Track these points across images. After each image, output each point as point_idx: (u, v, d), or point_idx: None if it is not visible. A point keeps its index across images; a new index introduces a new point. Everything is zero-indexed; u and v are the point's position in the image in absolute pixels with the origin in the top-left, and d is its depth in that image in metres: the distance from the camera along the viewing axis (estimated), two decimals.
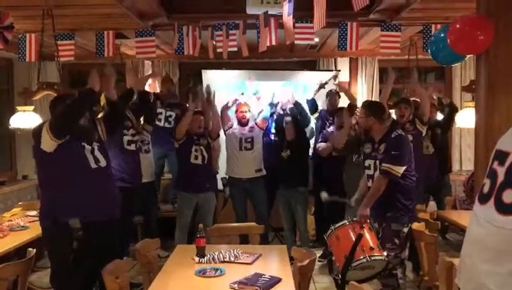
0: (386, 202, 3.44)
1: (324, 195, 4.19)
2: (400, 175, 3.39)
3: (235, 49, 4.56)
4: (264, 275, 2.60)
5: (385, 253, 3.29)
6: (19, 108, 4.59)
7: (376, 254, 3.23)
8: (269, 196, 5.20)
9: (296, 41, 4.59)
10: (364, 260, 3.21)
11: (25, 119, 4.45)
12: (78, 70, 6.93)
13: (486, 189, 1.85)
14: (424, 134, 4.68)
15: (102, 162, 3.16)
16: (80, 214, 2.94)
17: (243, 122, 5.17)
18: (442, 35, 2.94)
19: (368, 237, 3.29)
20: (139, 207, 5.03)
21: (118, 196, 3.30)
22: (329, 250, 3.48)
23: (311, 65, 6.77)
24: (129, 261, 2.76)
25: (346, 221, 3.43)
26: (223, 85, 6.20)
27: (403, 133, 3.59)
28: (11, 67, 6.48)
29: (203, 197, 4.82)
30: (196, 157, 4.79)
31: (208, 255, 2.95)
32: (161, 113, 5.58)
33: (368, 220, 3.41)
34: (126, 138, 4.38)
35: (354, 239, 3.26)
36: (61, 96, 3.48)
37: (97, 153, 3.14)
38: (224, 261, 2.91)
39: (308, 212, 5.33)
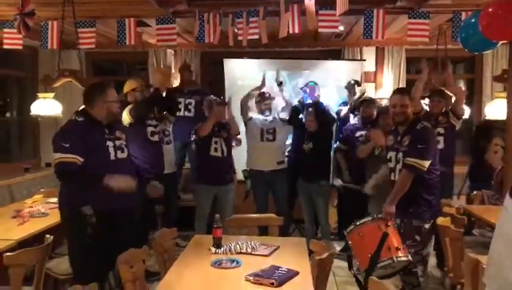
0: (408, 197, 3.30)
1: (338, 181, 4.10)
2: (425, 169, 3.24)
3: (256, 36, 4.45)
4: (281, 267, 2.53)
5: (409, 253, 3.16)
6: (39, 95, 4.61)
7: (401, 255, 3.09)
8: (291, 188, 5.11)
9: (320, 29, 4.46)
10: (390, 261, 3.07)
11: (45, 106, 4.47)
12: (101, 58, 6.95)
13: None
14: (457, 128, 4.50)
15: (122, 154, 3.13)
16: (93, 203, 2.91)
17: (265, 113, 5.07)
18: (473, 20, 2.78)
19: (393, 235, 3.15)
20: (161, 197, 5.03)
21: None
22: (349, 245, 3.34)
23: (336, 54, 6.61)
24: (144, 250, 2.71)
25: (370, 217, 3.27)
26: (245, 74, 6.13)
27: (429, 125, 3.44)
28: (35, 55, 6.53)
29: (223, 189, 4.78)
30: (216, 150, 4.73)
31: (225, 246, 2.89)
32: (180, 102, 5.54)
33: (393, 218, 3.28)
34: (150, 129, 4.42)
35: (379, 237, 3.10)
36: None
37: (118, 145, 3.11)
38: (240, 253, 2.84)
39: (330, 205, 5.23)
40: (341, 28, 5.60)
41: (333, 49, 6.64)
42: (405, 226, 3.33)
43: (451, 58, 6.72)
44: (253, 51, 6.53)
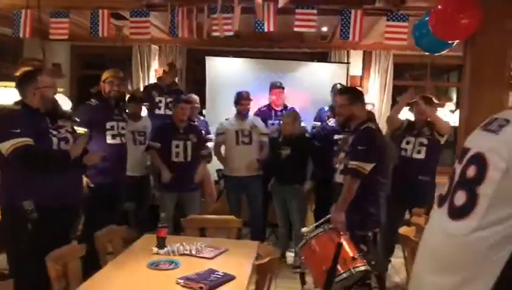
0: (348, 206, 3.15)
1: (308, 183, 4.02)
2: (366, 173, 3.07)
3: (231, 33, 4.34)
4: (217, 271, 2.41)
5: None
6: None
7: (359, 265, 2.86)
8: (266, 191, 4.96)
9: (296, 29, 4.34)
10: (349, 273, 2.78)
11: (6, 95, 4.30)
12: (86, 52, 6.86)
13: (445, 191, 1.61)
14: (442, 142, 4.33)
15: (66, 146, 3.01)
16: (34, 197, 2.80)
17: (243, 114, 4.90)
18: (426, 19, 2.65)
19: (348, 245, 2.92)
20: (132, 197, 4.93)
21: (78, 184, 3.19)
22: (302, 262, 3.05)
23: (323, 57, 6.49)
24: (78, 247, 2.60)
25: (321, 229, 2.98)
26: (227, 74, 6.02)
27: (374, 127, 3.26)
28: (20, 46, 6.45)
29: (186, 197, 4.50)
30: (177, 155, 4.42)
31: (168, 247, 2.77)
32: (160, 101, 5.38)
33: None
34: (110, 132, 4.04)
35: (333, 250, 2.78)
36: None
37: (61, 135, 2.99)
38: (184, 254, 2.72)
39: (309, 209, 5.07)
40: (324, 29, 5.50)
41: (320, 52, 6.52)
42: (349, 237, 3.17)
43: (441, 66, 6.62)
44: (238, 50, 6.44)
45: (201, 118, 5.45)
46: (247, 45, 6.41)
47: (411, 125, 4.38)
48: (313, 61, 6.28)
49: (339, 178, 3.31)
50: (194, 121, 4.97)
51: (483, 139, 1.45)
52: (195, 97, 5.19)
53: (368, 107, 6.11)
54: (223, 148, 5.00)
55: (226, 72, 6.05)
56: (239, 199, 4.93)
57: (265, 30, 4.31)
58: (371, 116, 3.52)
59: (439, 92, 7.62)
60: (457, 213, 1.42)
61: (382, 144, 3.25)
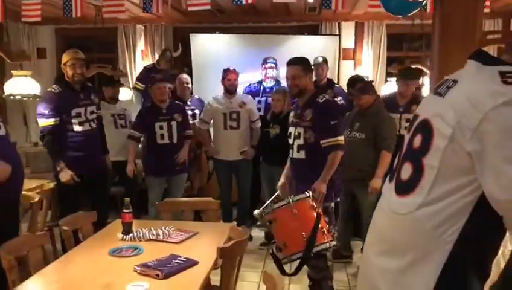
0: (312, 178, 3.06)
1: None
2: (343, 143, 3.08)
3: (208, 7, 4.14)
4: (179, 257, 2.28)
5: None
6: (14, 73, 4.31)
7: (331, 239, 2.75)
8: (257, 171, 4.80)
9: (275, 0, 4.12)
10: (328, 245, 2.69)
11: (21, 85, 4.16)
12: (71, 35, 6.69)
13: (395, 163, 1.44)
14: None
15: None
16: None
17: (230, 90, 4.64)
18: None
19: (323, 217, 2.83)
20: (120, 182, 4.85)
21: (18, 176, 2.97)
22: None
23: (313, 30, 6.25)
24: (34, 236, 2.49)
25: (307, 193, 2.85)
26: (214, 51, 5.83)
27: (331, 98, 3.21)
28: (1, 31, 6.29)
29: (173, 181, 4.36)
30: (162, 137, 4.25)
31: (135, 233, 2.65)
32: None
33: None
34: (77, 120, 3.79)
35: (313, 218, 2.68)
36: None
37: None
38: (150, 240, 2.60)
39: None
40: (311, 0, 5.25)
41: (309, 24, 6.27)
42: None
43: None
44: (226, 26, 6.25)
45: (196, 96, 5.25)
46: (234, 20, 6.21)
47: (393, 102, 4.26)
48: (302, 34, 6.04)
49: (296, 154, 3.23)
50: (185, 101, 4.85)
51: (431, 104, 1.29)
52: (186, 76, 5.00)
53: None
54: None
55: (212, 50, 5.87)
56: (229, 179, 4.77)
57: (244, 2, 4.10)
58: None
59: None
60: (403, 188, 1.27)
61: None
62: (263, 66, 5.21)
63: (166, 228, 2.70)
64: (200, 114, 4.86)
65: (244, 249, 2.40)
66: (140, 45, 6.40)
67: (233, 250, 2.29)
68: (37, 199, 3.29)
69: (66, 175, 3.69)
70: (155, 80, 4.38)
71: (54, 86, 3.79)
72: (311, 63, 5.01)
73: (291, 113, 3.36)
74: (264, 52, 5.41)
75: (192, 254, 2.34)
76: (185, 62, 6.33)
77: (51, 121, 3.68)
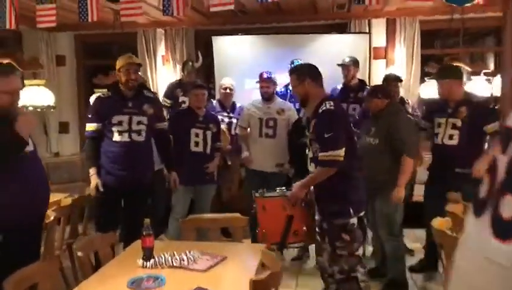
0: (324, 194, 2.88)
1: None
2: (342, 158, 2.74)
3: (232, 7, 3.85)
4: None
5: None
6: (27, 82, 4.08)
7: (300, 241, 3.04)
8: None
9: None
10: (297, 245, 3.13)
11: (35, 95, 3.94)
12: (90, 41, 6.52)
13: (483, 191, 1.11)
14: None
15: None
16: None
17: (264, 97, 4.32)
18: None
19: (299, 217, 2.91)
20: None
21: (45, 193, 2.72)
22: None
23: (341, 28, 5.91)
24: (45, 264, 2.24)
25: (278, 193, 2.98)
26: (237, 54, 5.56)
27: (332, 107, 2.82)
28: (19, 39, 6.16)
29: (200, 190, 4.11)
30: (197, 144, 4.06)
31: (156, 258, 2.37)
32: (184, 102, 4.84)
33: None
34: (116, 128, 3.50)
35: (282, 218, 2.88)
36: None
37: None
38: (173, 266, 2.33)
39: None
40: None
41: (338, 23, 5.92)
42: (329, 228, 2.87)
43: (475, 30, 5.96)
44: (249, 27, 5.96)
45: (238, 104, 4.96)
46: (257, 20, 5.91)
47: (435, 103, 3.92)
48: (330, 33, 5.71)
49: (311, 167, 2.97)
50: (227, 109, 4.72)
51: None
52: (229, 81, 4.84)
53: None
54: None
55: (235, 52, 5.60)
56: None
57: (269, 0, 3.80)
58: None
59: (475, 58, 6.95)
60: (506, 229, 0.94)
61: (346, 122, 2.99)
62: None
63: (191, 253, 2.42)
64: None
65: (279, 281, 2.09)
66: (161, 50, 6.16)
67: (267, 284, 1.98)
68: (52, 218, 3.05)
69: (92, 183, 3.49)
70: (192, 86, 4.23)
71: (105, 90, 3.66)
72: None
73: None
74: (290, 53, 5.10)
75: (221, 285, 2.07)
76: (209, 67, 6.08)
77: (92, 126, 3.52)
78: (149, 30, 6.10)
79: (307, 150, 3.02)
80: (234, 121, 4.71)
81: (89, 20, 4.13)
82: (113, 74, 5.06)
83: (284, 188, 3.17)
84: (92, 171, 3.50)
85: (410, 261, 4.04)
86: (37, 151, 2.71)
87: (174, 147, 4.05)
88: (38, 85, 3.79)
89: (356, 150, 2.97)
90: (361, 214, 2.95)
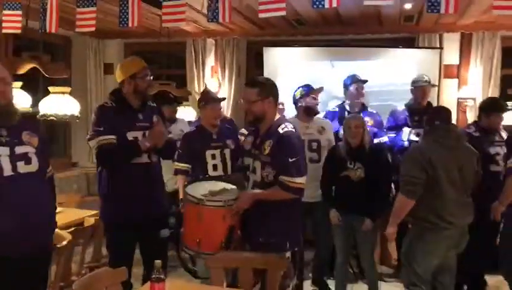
0: (258, 224, 2.56)
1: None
2: (297, 187, 2.51)
3: (283, 13, 3.41)
4: None
5: None
6: (51, 89, 3.74)
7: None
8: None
9: (366, 2, 3.29)
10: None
11: (58, 104, 3.45)
12: (139, 49, 6.29)
13: None
14: None
15: (27, 167, 2.16)
16: None
17: (313, 110, 3.70)
18: None
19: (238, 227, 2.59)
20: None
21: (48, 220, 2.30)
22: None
23: (408, 43, 5.33)
24: None
25: (221, 201, 2.53)
26: (289, 66, 5.11)
27: (294, 130, 2.60)
28: (69, 45, 6.04)
29: None
30: (215, 168, 3.43)
31: None
32: None
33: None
34: None
35: (222, 229, 2.52)
36: None
37: (19, 152, 2.15)
38: None
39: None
40: (408, 5, 4.38)
41: (404, 37, 5.37)
42: None
43: None
44: (306, 39, 5.52)
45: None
46: (315, 32, 5.47)
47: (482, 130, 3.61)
48: (396, 47, 5.15)
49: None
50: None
51: None
52: None
53: (469, 104, 4.93)
54: None
55: (289, 65, 5.15)
56: (305, 225, 3.69)
57: (327, 6, 3.31)
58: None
59: None
60: None
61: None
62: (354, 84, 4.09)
63: None
64: None
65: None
66: (210, 60, 5.83)
67: None
68: (64, 243, 2.69)
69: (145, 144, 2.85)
70: (209, 99, 3.58)
71: (108, 100, 2.95)
72: (415, 80, 4.14)
73: (248, 139, 2.83)
74: (350, 68, 4.57)
75: None
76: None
77: (112, 138, 2.81)
78: (198, 40, 5.79)
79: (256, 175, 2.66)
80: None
81: (130, 25, 3.79)
82: (157, 84, 4.77)
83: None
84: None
85: None
86: (45, 171, 2.32)
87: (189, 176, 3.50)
88: (63, 93, 3.45)
89: None
90: (296, 249, 2.72)
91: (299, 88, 3.79)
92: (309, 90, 3.73)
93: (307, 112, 3.72)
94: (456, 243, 2.93)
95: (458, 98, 5.18)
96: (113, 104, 2.90)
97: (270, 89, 2.65)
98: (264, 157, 2.58)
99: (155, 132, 2.84)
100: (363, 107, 4.09)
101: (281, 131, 2.54)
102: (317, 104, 3.75)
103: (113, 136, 2.80)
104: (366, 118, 3.76)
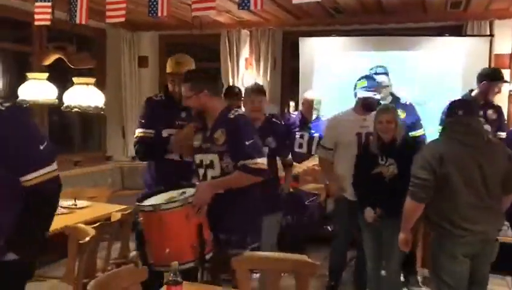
0: (218, 217, 2.46)
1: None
2: (265, 166, 2.50)
3: None
4: None
5: None
6: (29, 75, 3.53)
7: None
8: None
9: None
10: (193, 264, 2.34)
11: (35, 89, 3.41)
12: (174, 41, 6.20)
13: None
14: None
15: None
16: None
17: (369, 107, 3.36)
18: None
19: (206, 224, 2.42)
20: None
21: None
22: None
23: (455, 31, 4.99)
24: None
25: (178, 201, 2.32)
26: (326, 57, 4.88)
27: (243, 113, 2.67)
28: (103, 38, 6.01)
29: (265, 221, 3.00)
30: None
31: None
32: None
33: None
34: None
35: (189, 228, 2.31)
36: None
37: None
38: None
39: None
40: None
41: (450, 25, 5.02)
42: (219, 256, 2.46)
43: None
44: (344, 28, 5.26)
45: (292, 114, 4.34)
46: (354, 21, 5.20)
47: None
48: (443, 35, 4.83)
49: None
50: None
51: None
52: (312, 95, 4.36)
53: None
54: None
55: (326, 55, 4.94)
56: (350, 225, 3.46)
57: None
58: None
59: None
60: None
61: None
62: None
63: None
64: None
65: None
66: (245, 52, 5.66)
67: None
68: (87, 239, 2.60)
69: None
70: (249, 90, 3.37)
71: (158, 94, 3.08)
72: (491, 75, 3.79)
73: (198, 136, 2.63)
74: (391, 59, 4.30)
75: None
76: (293, 69, 5.47)
77: (150, 132, 2.91)
78: (233, 31, 5.63)
79: (200, 170, 2.62)
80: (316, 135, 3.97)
81: (159, 14, 3.66)
82: None
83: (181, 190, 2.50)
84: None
85: None
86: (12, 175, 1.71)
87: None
88: (87, 84, 3.35)
89: None
90: (256, 245, 2.61)
91: (361, 78, 3.47)
92: (372, 86, 3.41)
93: (366, 107, 3.42)
94: (477, 251, 2.55)
95: (510, 91, 4.80)
96: (162, 98, 3.01)
97: (203, 82, 2.54)
98: (219, 147, 2.51)
99: (175, 140, 2.80)
100: (395, 99, 3.82)
101: (231, 116, 2.52)
102: (378, 101, 3.45)
103: (151, 131, 2.88)
104: (399, 111, 3.44)
